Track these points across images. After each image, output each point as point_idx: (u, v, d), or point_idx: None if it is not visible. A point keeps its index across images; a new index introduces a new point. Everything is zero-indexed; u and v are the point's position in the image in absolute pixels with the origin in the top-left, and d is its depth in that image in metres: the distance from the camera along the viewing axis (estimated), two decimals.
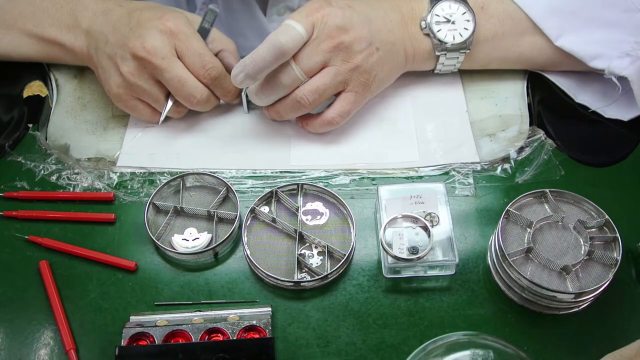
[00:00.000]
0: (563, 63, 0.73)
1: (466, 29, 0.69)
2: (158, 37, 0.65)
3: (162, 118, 0.70)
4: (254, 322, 0.57)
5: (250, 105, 0.74)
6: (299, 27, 0.64)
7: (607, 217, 0.60)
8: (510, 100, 0.75)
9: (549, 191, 0.62)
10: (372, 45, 0.66)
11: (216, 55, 0.71)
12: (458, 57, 0.71)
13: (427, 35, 0.70)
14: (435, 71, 0.74)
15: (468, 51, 0.70)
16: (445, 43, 0.70)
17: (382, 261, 0.62)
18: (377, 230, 0.64)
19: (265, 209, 0.66)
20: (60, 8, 0.70)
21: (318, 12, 0.65)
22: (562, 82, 0.75)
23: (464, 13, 0.70)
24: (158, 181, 0.69)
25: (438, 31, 0.69)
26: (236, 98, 0.72)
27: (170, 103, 0.69)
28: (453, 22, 0.69)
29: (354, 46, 0.65)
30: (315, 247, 0.63)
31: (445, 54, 0.71)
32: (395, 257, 0.59)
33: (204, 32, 0.69)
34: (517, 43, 0.72)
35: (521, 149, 0.70)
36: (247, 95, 0.72)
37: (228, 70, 0.71)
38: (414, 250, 0.59)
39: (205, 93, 0.68)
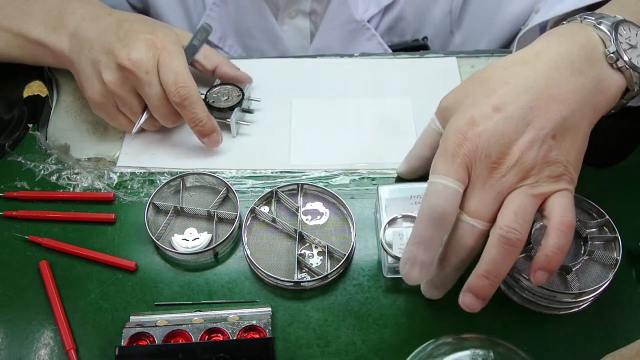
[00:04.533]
0: None
1: None
2: (144, 50, 0.64)
3: (134, 130, 0.69)
4: (254, 322, 0.57)
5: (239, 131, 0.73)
6: (449, 182, 0.51)
7: (607, 217, 0.60)
8: None
9: None
10: (547, 139, 0.52)
11: (213, 71, 0.72)
12: None
13: (619, 69, 0.54)
14: (612, 112, 0.59)
15: None
16: None
17: (382, 261, 0.62)
18: (377, 230, 0.64)
19: (265, 209, 0.66)
20: (48, 11, 0.70)
21: (465, 147, 0.52)
22: None
23: (638, 33, 0.56)
24: (158, 181, 0.69)
25: (630, 59, 0.54)
26: (207, 134, 0.69)
27: (145, 116, 0.69)
28: (636, 47, 0.55)
29: (525, 160, 0.51)
30: (315, 247, 0.63)
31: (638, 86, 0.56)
32: (395, 257, 0.59)
33: (192, 50, 0.70)
34: None
35: None
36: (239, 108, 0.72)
37: (227, 77, 0.71)
38: None
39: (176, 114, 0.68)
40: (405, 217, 0.61)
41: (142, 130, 0.73)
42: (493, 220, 0.52)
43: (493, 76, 0.55)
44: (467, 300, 0.53)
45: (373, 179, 0.69)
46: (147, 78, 0.64)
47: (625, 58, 0.54)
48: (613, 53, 0.54)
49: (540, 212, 0.53)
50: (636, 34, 0.56)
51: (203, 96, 0.71)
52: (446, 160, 0.52)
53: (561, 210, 0.52)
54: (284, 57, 0.87)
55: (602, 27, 0.55)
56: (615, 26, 0.55)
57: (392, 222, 0.61)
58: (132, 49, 0.64)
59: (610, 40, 0.54)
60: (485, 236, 0.52)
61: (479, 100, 0.53)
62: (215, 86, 0.73)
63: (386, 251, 0.59)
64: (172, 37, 0.67)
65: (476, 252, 0.53)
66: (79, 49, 0.67)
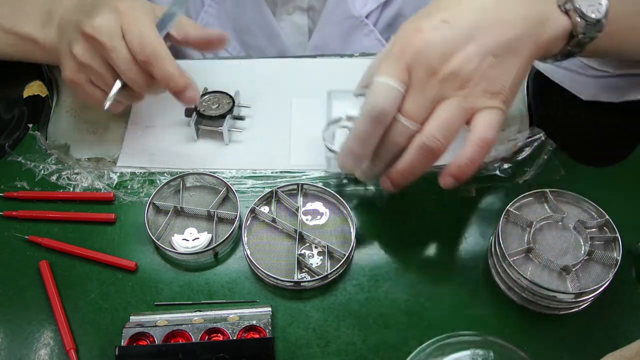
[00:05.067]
0: None
1: (600, 4, 0.57)
2: (107, 16, 0.62)
3: (107, 103, 0.64)
4: (254, 322, 0.57)
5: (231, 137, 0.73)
6: (392, 82, 0.54)
7: (607, 217, 0.60)
8: None
9: (549, 191, 0.62)
10: (487, 56, 0.54)
11: (186, 41, 0.68)
12: (590, 39, 0.58)
13: (566, 12, 0.57)
14: (557, 58, 0.61)
15: (605, 30, 0.58)
16: (590, 20, 0.57)
17: (325, 158, 0.68)
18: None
19: (265, 209, 0.66)
20: (39, 7, 0.69)
21: (408, 50, 0.54)
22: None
23: None
24: (158, 181, 0.69)
25: (579, 5, 0.56)
26: (181, 91, 0.65)
27: (117, 85, 0.65)
28: None
29: (463, 70, 0.54)
30: (315, 247, 0.63)
31: (584, 35, 0.58)
32: (334, 151, 0.64)
33: (169, 18, 0.66)
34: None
35: (521, 149, 0.70)
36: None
37: (198, 41, 0.68)
38: None
39: (139, 78, 0.64)
40: (349, 118, 0.64)
41: (141, 130, 0.73)
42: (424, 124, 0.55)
43: None
44: (385, 184, 0.60)
45: None
46: (111, 43, 0.62)
47: (576, 4, 0.56)
48: None
49: (467, 124, 0.56)
50: None
51: (193, 105, 0.71)
52: (390, 62, 0.55)
53: (484, 126, 0.55)
54: (283, 55, 0.87)
55: None
56: None
57: (336, 121, 0.65)
58: (95, 17, 0.62)
59: None
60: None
61: (430, 13, 0.56)
62: (205, 94, 0.73)
63: (326, 146, 0.64)
64: (140, 2, 0.65)
65: (403, 151, 0.57)
66: (59, 34, 0.67)
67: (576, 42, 0.58)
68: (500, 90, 0.55)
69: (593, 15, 0.57)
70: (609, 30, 0.59)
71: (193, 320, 0.58)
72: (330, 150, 0.65)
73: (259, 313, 0.59)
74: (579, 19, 0.57)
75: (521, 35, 0.56)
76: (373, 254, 0.64)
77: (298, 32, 0.92)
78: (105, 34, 0.62)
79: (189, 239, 0.63)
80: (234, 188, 0.66)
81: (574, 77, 0.73)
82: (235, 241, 0.65)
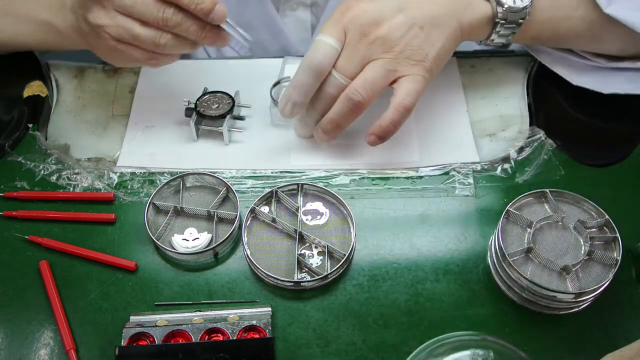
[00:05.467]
0: (609, 36, 0.71)
1: None
2: None
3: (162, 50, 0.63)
4: (254, 322, 0.57)
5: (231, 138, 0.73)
6: (330, 40, 0.63)
7: (607, 217, 0.60)
8: (510, 100, 0.75)
9: (549, 191, 0.62)
10: (414, 27, 0.64)
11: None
12: (514, 27, 0.68)
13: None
14: (487, 42, 0.71)
15: (528, 18, 0.67)
16: (510, 7, 0.66)
17: (271, 114, 0.72)
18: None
19: (265, 209, 0.66)
20: None
21: (346, 15, 0.64)
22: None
23: None
24: (158, 181, 0.69)
25: None
26: (210, 9, 0.62)
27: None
28: None
29: (390, 36, 0.63)
30: (315, 247, 0.63)
31: (505, 22, 0.67)
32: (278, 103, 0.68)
33: None
34: (571, 15, 0.69)
35: (521, 149, 0.70)
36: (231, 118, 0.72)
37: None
38: None
39: (169, 9, 0.61)
40: None
41: (141, 130, 0.73)
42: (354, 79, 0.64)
43: None
44: (318, 134, 0.69)
45: (373, 179, 0.69)
46: None
47: None
48: None
49: (391, 85, 0.65)
50: None
51: (193, 105, 0.71)
52: (330, 24, 0.64)
53: (404, 93, 0.63)
54: (286, 51, 0.87)
55: None
56: None
57: (283, 80, 0.71)
58: None
59: None
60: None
61: None
62: (205, 94, 0.73)
63: (273, 100, 0.70)
64: None
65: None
66: (75, 17, 0.66)
67: (501, 27, 0.68)
68: (423, 59, 0.64)
69: (513, 4, 0.66)
70: (541, 18, 0.68)
71: (193, 320, 0.58)
72: (276, 103, 0.70)
73: (259, 313, 0.59)
74: (497, 6, 0.66)
75: (445, 13, 0.65)
76: (373, 254, 0.64)
77: (301, 27, 0.92)
78: None
79: (189, 239, 0.63)
80: (234, 188, 0.66)
81: (569, 62, 0.75)
82: (235, 241, 0.65)
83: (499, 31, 0.69)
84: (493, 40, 0.70)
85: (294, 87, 0.65)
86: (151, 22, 0.62)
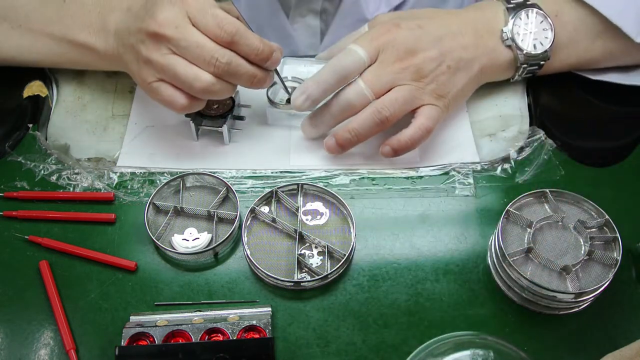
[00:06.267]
0: (631, 59, 0.74)
1: (546, 38, 0.69)
2: (168, 7, 0.60)
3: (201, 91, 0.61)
4: (254, 322, 0.57)
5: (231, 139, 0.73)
6: (361, 51, 0.65)
7: (607, 217, 0.60)
8: (510, 100, 0.75)
9: (549, 191, 0.62)
10: (443, 64, 0.66)
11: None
12: (536, 68, 0.71)
13: (509, 46, 0.70)
14: (512, 80, 0.74)
15: (549, 60, 0.70)
16: (529, 53, 0.69)
17: (267, 114, 0.72)
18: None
19: (265, 209, 0.66)
20: (88, 12, 0.68)
21: (384, 36, 0.66)
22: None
23: (542, 22, 0.70)
24: (158, 181, 0.69)
25: (521, 41, 0.69)
26: (267, 60, 0.63)
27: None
28: (531, 32, 0.69)
29: (423, 67, 0.66)
30: (315, 247, 0.63)
31: (527, 65, 0.70)
32: (275, 103, 0.70)
33: None
34: (591, 47, 0.72)
35: (521, 149, 0.70)
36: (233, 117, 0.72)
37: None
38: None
39: (226, 54, 0.61)
40: (295, 79, 0.72)
41: (142, 130, 0.73)
42: (376, 98, 0.66)
43: (425, 12, 0.72)
44: (329, 142, 0.69)
45: (373, 179, 0.69)
46: (179, 33, 0.60)
47: (518, 41, 0.69)
48: (506, 32, 0.69)
49: (412, 113, 0.67)
50: (539, 21, 0.69)
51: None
52: (366, 40, 0.66)
53: (427, 116, 0.66)
54: (295, 56, 0.87)
55: (510, 7, 0.70)
56: (520, 10, 0.69)
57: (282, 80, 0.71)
58: (156, 12, 0.60)
59: (508, 22, 0.69)
60: (364, 106, 0.66)
61: (408, 18, 0.70)
62: None
63: (270, 100, 0.70)
64: None
65: (352, 114, 0.67)
66: (122, 42, 0.65)
67: (523, 70, 0.71)
68: (445, 95, 0.67)
69: (532, 50, 0.69)
70: (561, 56, 0.72)
71: (193, 320, 0.58)
72: (272, 103, 0.71)
73: (259, 313, 0.59)
74: (519, 53, 0.69)
75: (470, 58, 0.69)
76: (373, 254, 0.64)
77: (311, 34, 0.92)
78: (172, 26, 0.60)
79: (189, 239, 0.63)
80: (234, 188, 0.66)
81: None
82: (235, 241, 0.65)
83: (522, 73, 0.72)
84: (516, 80, 0.74)
85: (315, 81, 0.65)
86: (204, 67, 0.61)
